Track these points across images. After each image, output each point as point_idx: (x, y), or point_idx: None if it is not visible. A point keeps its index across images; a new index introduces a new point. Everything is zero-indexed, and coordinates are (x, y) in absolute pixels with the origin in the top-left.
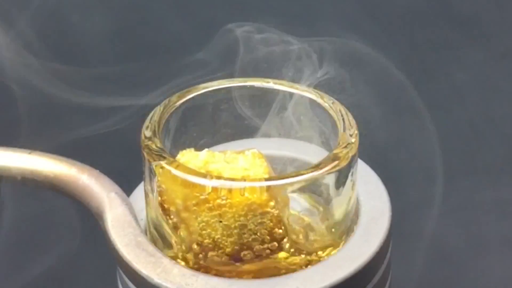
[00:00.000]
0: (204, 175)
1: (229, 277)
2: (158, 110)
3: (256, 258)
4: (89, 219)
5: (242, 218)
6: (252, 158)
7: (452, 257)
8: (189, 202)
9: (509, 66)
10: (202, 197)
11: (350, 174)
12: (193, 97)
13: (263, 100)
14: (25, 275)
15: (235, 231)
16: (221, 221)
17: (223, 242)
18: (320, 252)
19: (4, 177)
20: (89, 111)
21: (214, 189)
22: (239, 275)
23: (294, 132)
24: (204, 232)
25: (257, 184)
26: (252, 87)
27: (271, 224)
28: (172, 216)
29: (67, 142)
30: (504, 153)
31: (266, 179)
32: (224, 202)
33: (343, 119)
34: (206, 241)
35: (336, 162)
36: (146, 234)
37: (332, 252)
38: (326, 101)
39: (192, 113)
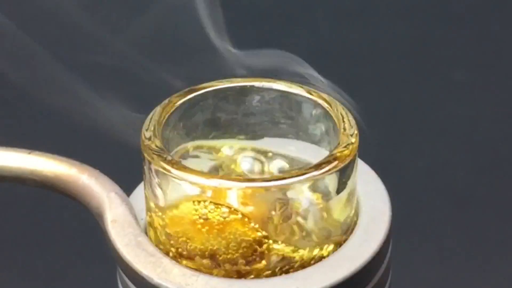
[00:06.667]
0: (204, 175)
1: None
2: (158, 110)
3: (247, 262)
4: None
5: (231, 222)
6: None
7: None
8: (188, 202)
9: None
10: (201, 198)
11: (350, 174)
12: (193, 97)
13: (263, 100)
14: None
15: (223, 238)
16: (212, 224)
17: (213, 246)
18: (319, 253)
19: (4, 177)
20: None
21: (214, 190)
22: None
23: (294, 132)
24: (198, 233)
25: (257, 184)
26: (252, 87)
27: (257, 230)
28: (169, 216)
29: (68, 142)
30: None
31: (266, 180)
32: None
33: (343, 119)
34: (199, 242)
35: (336, 162)
36: (146, 234)
37: (332, 252)
38: (326, 101)
39: (192, 113)
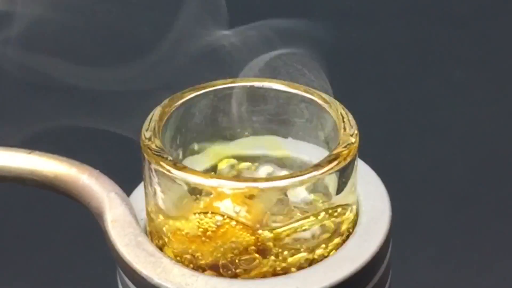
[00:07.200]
0: (204, 175)
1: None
2: (157, 110)
3: (247, 264)
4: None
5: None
6: None
7: None
8: (186, 203)
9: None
10: (201, 199)
11: (350, 174)
12: (193, 97)
13: (263, 100)
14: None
15: (223, 244)
16: (212, 231)
17: (213, 252)
18: (319, 253)
19: (4, 177)
20: None
21: (214, 190)
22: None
23: (294, 132)
24: (197, 238)
25: (257, 184)
26: (252, 87)
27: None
28: (168, 216)
29: (68, 142)
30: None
31: (266, 180)
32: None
33: (343, 119)
34: (198, 247)
35: (336, 162)
36: (146, 234)
37: (332, 252)
38: (326, 101)
39: (192, 113)
